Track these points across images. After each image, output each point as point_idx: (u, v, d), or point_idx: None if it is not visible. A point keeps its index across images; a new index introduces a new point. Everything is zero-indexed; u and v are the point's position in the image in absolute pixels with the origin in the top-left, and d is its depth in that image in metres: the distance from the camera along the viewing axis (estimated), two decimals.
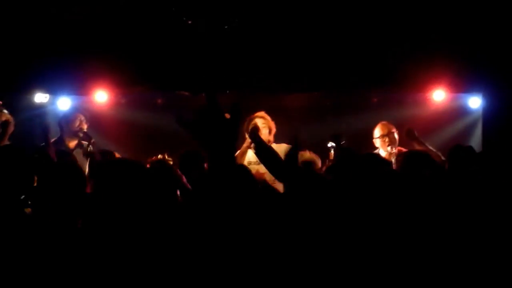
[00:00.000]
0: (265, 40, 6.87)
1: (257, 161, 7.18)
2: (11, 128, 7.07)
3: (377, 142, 7.14)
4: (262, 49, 6.90)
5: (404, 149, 6.85)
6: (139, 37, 7.04)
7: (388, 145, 6.99)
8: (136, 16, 6.87)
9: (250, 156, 7.22)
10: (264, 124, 7.24)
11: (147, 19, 6.87)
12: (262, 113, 7.29)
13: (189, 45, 6.97)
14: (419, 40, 6.92)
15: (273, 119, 7.27)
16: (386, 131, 7.08)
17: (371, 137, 7.17)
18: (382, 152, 7.03)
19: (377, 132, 7.14)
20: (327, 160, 7.30)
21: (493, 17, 6.81)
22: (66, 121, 7.09)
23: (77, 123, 7.04)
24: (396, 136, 7.02)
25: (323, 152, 6.91)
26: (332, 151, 7.11)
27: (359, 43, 6.86)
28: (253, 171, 6.77)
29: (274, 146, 7.28)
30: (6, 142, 7.17)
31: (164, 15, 6.78)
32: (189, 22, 6.71)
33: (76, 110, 7.41)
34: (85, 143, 6.82)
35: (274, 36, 6.87)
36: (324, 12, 6.78)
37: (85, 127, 7.06)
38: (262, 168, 6.97)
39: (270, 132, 7.29)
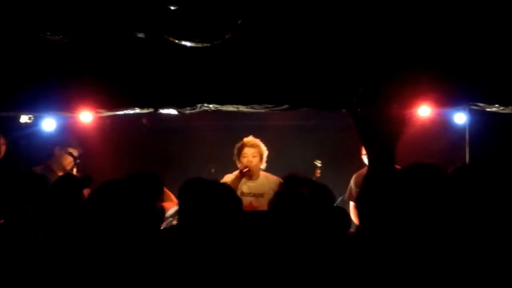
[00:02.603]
0: (248, 60, 6.86)
1: (250, 193, 7.21)
2: (2, 149, 7.07)
3: (365, 159, 7.15)
4: (245, 68, 6.89)
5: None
6: (123, 57, 7.03)
7: None
8: (121, 37, 6.85)
9: (243, 188, 7.23)
10: (254, 153, 7.26)
11: (132, 39, 6.85)
12: (250, 141, 7.31)
13: (174, 64, 6.95)
14: (402, 55, 6.91)
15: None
16: None
17: (357, 154, 7.17)
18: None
19: (363, 151, 7.16)
20: (313, 178, 7.31)
21: (479, 31, 6.81)
22: (59, 152, 7.09)
23: (69, 159, 7.05)
24: None
25: (307, 170, 6.93)
26: (318, 170, 7.13)
27: (342, 60, 6.85)
28: (247, 203, 6.85)
29: (266, 176, 7.28)
30: None
31: (148, 34, 6.76)
32: (175, 41, 6.69)
33: (71, 143, 7.39)
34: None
35: (255, 53, 6.86)
36: (308, 30, 6.77)
37: (73, 164, 7.07)
38: (255, 201, 7.04)
39: (261, 159, 7.31)
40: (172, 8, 6.37)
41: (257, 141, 7.34)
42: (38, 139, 7.95)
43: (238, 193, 7.04)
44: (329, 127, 8.65)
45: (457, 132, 8.16)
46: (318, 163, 7.20)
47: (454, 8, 6.73)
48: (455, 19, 6.73)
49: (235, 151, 7.36)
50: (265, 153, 7.35)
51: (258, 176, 7.33)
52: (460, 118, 8.03)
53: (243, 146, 7.34)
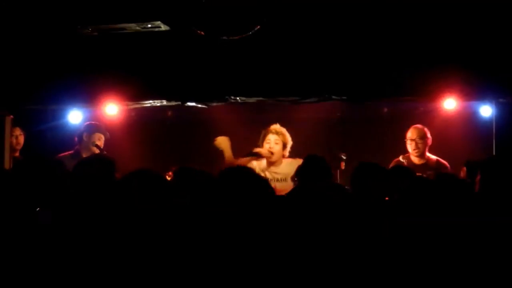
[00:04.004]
0: (275, 51, 6.88)
1: (273, 178, 7.21)
2: (20, 140, 7.15)
3: (408, 145, 7.31)
4: (272, 60, 6.91)
5: (433, 157, 7.00)
6: (149, 49, 7.06)
7: (414, 150, 7.15)
8: (147, 29, 6.88)
9: (266, 174, 7.23)
10: (277, 140, 7.26)
11: (156, 32, 6.88)
12: (276, 128, 7.30)
13: (199, 56, 6.98)
14: (429, 48, 6.89)
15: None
16: (414, 136, 7.30)
17: (382, 147, 7.19)
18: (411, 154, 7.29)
19: (408, 134, 7.31)
20: (338, 171, 7.30)
21: (505, 24, 6.77)
22: (88, 136, 7.17)
23: (97, 141, 7.14)
24: (424, 142, 7.15)
25: (333, 163, 6.90)
26: (343, 162, 7.11)
27: (369, 53, 6.84)
28: None
29: (289, 161, 7.29)
30: (17, 154, 7.22)
31: (173, 27, 6.79)
32: (201, 33, 6.71)
33: (99, 128, 7.47)
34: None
35: (282, 47, 6.88)
36: (335, 23, 6.77)
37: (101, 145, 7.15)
38: (279, 185, 7.03)
39: (284, 147, 7.30)
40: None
41: (282, 129, 7.34)
42: (65, 131, 8.01)
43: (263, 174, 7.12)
44: (354, 119, 8.64)
45: (483, 125, 8.10)
46: (343, 156, 7.17)
47: (482, 1, 6.70)
48: (483, 12, 6.70)
49: (261, 137, 7.38)
50: (289, 142, 7.36)
51: (280, 162, 7.33)
52: (486, 111, 7.95)
53: (267, 132, 7.36)
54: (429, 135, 7.45)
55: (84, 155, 7.06)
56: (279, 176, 7.26)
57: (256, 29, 6.58)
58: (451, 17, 6.77)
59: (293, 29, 6.84)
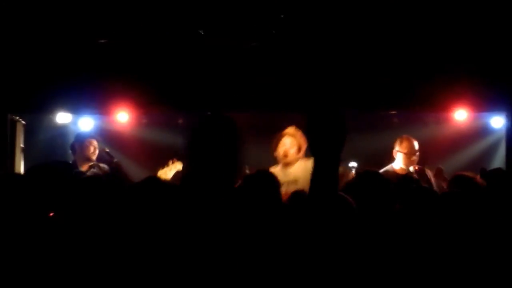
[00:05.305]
0: (285, 59, 6.87)
1: (285, 181, 7.10)
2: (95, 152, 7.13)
3: (399, 156, 7.02)
4: (282, 68, 6.91)
5: (418, 166, 6.80)
6: (160, 57, 7.08)
7: (411, 164, 6.86)
8: (158, 36, 6.91)
9: (279, 176, 7.14)
10: (293, 143, 7.09)
11: (169, 39, 6.91)
12: (291, 130, 7.09)
13: (210, 64, 6.99)
14: (440, 58, 6.88)
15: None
16: (412, 150, 6.92)
17: (392, 156, 7.10)
18: (398, 165, 6.95)
19: (402, 147, 7.02)
20: (349, 179, 7.27)
21: None
22: (79, 146, 7.12)
23: (91, 149, 7.09)
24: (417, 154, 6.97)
25: (343, 172, 6.89)
26: (353, 171, 7.08)
27: (380, 62, 6.84)
28: (283, 191, 6.67)
29: (302, 161, 7.15)
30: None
31: (185, 34, 6.82)
32: (211, 40, 6.74)
33: (89, 135, 7.44)
34: (103, 165, 6.90)
35: (293, 55, 6.88)
36: (346, 34, 6.78)
37: (96, 152, 7.11)
38: (288, 188, 6.90)
39: (299, 150, 7.12)
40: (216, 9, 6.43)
41: (298, 132, 7.10)
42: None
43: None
44: (364, 129, 8.62)
45: (494, 136, 8.09)
46: (353, 165, 7.13)
47: (493, 11, 6.69)
48: (494, 22, 6.69)
49: (274, 140, 7.20)
50: (305, 145, 7.15)
51: (294, 163, 7.12)
52: (498, 122, 7.93)
53: (282, 134, 7.17)
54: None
55: (81, 166, 7.03)
56: (290, 178, 7.08)
57: (266, 39, 6.59)
58: (463, 28, 6.76)
59: (304, 40, 6.84)
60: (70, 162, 6.99)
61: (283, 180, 6.93)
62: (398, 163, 6.95)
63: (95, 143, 7.15)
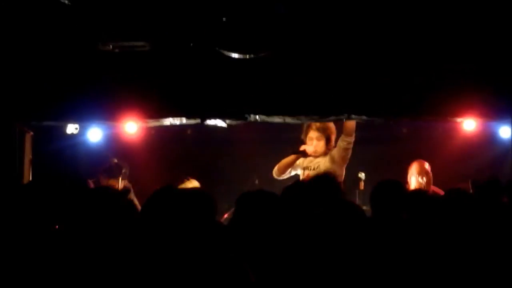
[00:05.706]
0: (295, 70, 6.87)
1: (308, 167, 7.07)
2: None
3: (413, 180, 7.05)
4: (291, 79, 6.91)
5: (437, 189, 6.82)
6: (169, 67, 7.09)
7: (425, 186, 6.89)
8: (166, 46, 6.93)
9: (304, 162, 7.11)
10: (320, 136, 7.07)
11: (178, 49, 6.92)
12: (317, 123, 7.11)
13: (220, 74, 7.00)
14: (448, 68, 6.88)
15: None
16: (424, 171, 7.02)
17: (400, 167, 7.11)
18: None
19: (414, 170, 7.07)
20: (357, 191, 7.27)
21: None
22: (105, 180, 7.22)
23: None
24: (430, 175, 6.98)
25: (352, 183, 6.89)
26: (362, 182, 7.09)
27: (388, 73, 6.84)
28: (304, 176, 6.69)
29: (329, 156, 7.10)
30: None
31: (194, 45, 6.83)
32: (221, 51, 6.75)
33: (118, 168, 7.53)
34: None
35: (302, 66, 6.88)
36: (355, 42, 6.78)
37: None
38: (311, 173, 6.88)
39: (329, 141, 7.10)
40: (223, 19, 6.43)
41: (325, 123, 7.08)
42: (84, 149, 8.06)
43: (301, 167, 7.09)
44: (373, 139, 8.62)
45: (502, 146, 8.07)
46: (362, 176, 7.14)
47: (500, 19, 6.69)
48: (504, 32, 6.69)
49: (303, 131, 7.19)
50: (334, 133, 7.10)
51: (322, 156, 7.11)
52: (506, 132, 7.90)
53: (309, 128, 7.14)
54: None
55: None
56: (312, 165, 7.07)
57: (275, 48, 6.60)
58: (473, 38, 6.76)
59: (313, 49, 6.84)
60: (80, 174, 7.05)
61: (307, 165, 6.97)
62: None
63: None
